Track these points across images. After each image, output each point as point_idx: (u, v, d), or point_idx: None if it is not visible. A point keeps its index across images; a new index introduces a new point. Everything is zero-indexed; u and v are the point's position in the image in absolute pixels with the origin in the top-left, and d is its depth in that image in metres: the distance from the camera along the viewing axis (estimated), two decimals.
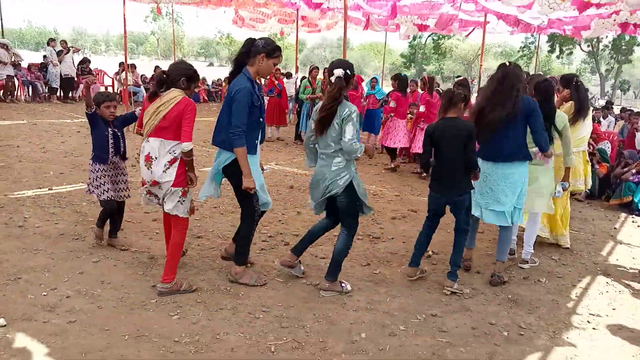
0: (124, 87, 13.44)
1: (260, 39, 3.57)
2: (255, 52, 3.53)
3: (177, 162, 3.42)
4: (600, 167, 7.54)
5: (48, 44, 13.87)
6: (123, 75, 13.85)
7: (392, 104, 8.22)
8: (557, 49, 43.09)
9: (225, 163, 3.56)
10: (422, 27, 14.13)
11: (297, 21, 12.54)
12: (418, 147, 7.95)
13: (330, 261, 3.74)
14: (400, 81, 8.29)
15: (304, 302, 3.54)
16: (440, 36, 47.71)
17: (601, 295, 4.10)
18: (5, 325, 2.94)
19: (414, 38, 46.89)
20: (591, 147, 8.42)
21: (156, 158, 3.42)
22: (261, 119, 3.66)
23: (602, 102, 17.74)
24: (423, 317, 3.45)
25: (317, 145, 3.66)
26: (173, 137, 3.41)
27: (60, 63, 13.58)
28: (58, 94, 14.12)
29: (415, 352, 3.02)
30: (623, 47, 41.54)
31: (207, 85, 19.61)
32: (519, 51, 50.75)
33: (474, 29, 13.89)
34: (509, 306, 3.74)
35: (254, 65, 3.56)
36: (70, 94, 14.43)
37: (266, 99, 11.39)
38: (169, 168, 3.41)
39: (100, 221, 4.21)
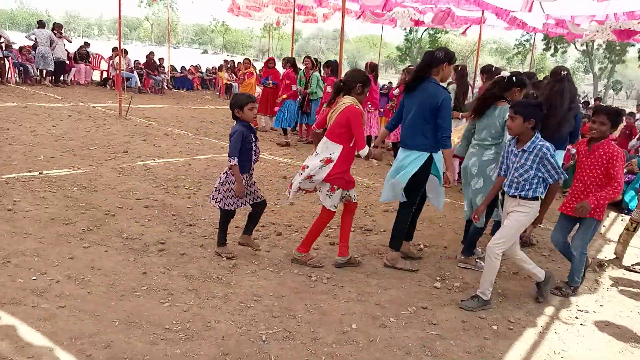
0: (117, 72, 13.28)
1: (438, 50, 3.94)
2: (438, 62, 3.89)
3: (331, 163, 3.75)
4: None
5: (40, 27, 13.55)
6: (116, 60, 13.69)
7: None
8: (552, 47, 43.23)
9: (421, 163, 3.89)
10: (418, 23, 14.08)
11: (294, 10, 12.43)
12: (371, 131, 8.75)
13: (467, 240, 4.39)
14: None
15: (296, 293, 3.55)
16: (437, 30, 47.65)
17: (589, 291, 4.15)
18: None
19: (410, 31, 46.81)
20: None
21: (317, 153, 3.83)
22: None
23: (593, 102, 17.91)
24: (414, 310, 3.47)
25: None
26: (336, 139, 3.76)
27: (53, 47, 13.35)
28: (51, 77, 13.91)
29: (405, 344, 3.04)
30: (617, 47, 41.80)
31: (201, 73, 19.45)
32: (514, 48, 50.87)
33: (470, 25, 13.87)
34: (498, 300, 3.77)
35: (439, 74, 3.93)
36: (62, 78, 14.24)
37: (260, 88, 11.32)
38: (323, 167, 3.75)
39: (222, 234, 4.01)
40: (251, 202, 4.00)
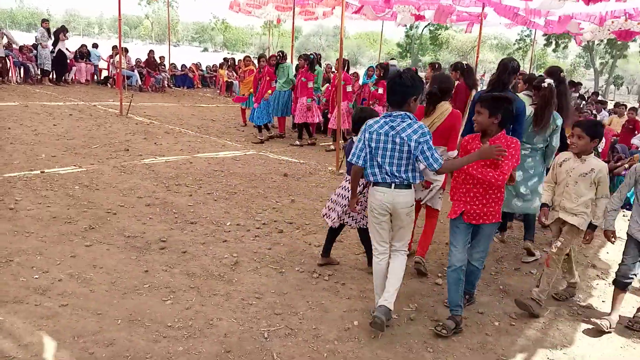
0: (118, 70, 13.29)
1: (511, 60, 4.14)
2: (515, 71, 4.09)
3: None
4: None
5: (41, 25, 13.62)
6: (116, 58, 13.70)
7: None
8: (553, 43, 43.13)
9: None
10: (419, 17, 14.05)
11: (294, 8, 12.39)
12: None
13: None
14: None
15: (298, 290, 3.55)
16: (438, 26, 47.59)
17: (591, 287, 4.15)
18: None
19: (411, 28, 46.72)
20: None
21: None
22: None
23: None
24: (415, 306, 3.47)
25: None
26: (443, 143, 3.84)
27: (55, 47, 13.39)
28: (51, 76, 13.94)
29: (407, 341, 3.04)
30: (618, 42, 41.62)
31: (202, 71, 19.44)
32: (514, 44, 50.77)
33: (471, 23, 13.83)
34: (500, 297, 3.77)
35: (512, 83, 4.13)
36: (62, 77, 14.25)
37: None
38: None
39: (329, 247, 3.96)
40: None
